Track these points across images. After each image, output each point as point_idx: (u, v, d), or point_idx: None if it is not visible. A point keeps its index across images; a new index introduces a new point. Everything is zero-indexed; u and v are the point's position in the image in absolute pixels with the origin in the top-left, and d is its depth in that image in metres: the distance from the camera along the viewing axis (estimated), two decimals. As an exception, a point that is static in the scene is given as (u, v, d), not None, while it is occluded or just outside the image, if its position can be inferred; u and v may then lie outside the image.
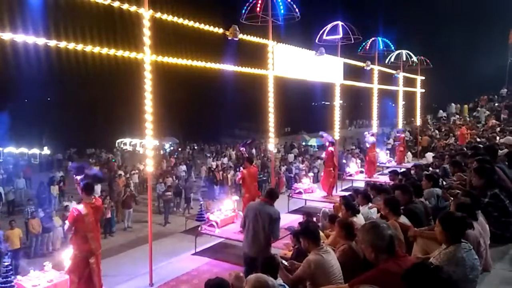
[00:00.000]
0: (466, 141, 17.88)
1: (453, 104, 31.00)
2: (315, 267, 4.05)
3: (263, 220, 5.85)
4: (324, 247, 4.25)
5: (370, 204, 6.61)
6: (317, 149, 27.68)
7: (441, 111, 30.58)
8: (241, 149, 10.65)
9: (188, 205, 16.65)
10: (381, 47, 16.51)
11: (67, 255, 6.18)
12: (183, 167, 22.05)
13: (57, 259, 7.49)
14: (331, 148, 12.40)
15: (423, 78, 21.62)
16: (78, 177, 6.22)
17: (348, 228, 4.58)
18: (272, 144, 11.34)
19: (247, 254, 6.08)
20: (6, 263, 6.27)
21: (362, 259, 4.27)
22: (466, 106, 30.57)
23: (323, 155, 13.03)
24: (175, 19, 7.54)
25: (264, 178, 19.20)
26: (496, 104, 27.43)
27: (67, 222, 6.03)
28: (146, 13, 6.86)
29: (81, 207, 5.89)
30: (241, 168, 9.95)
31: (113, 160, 25.98)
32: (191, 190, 17.26)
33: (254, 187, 9.34)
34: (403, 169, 11.78)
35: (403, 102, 20.95)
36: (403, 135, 18.69)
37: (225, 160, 24.70)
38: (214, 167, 21.48)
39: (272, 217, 5.86)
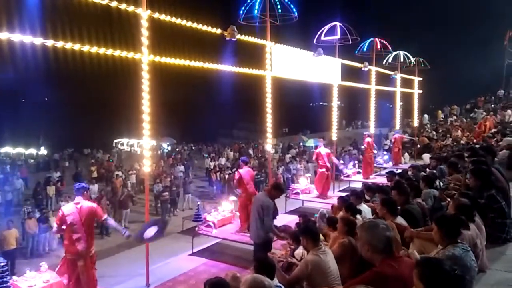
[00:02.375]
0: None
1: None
2: (312, 267, 4.06)
3: (255, 207, 6.61)
4: (322, 247, 4.26)
5: (364, 204, 6.62)
6: (314, 150, 27.66)
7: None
8: None
9: (173, 207, 16.63)
10: (379, 48, 16.55)
11: (62, 256, 6.17)
12: (181, 168, 22.04)
13: (53, 260, 7.47)
14: (318, 150, 12.56)
15: (421, 79, 21.67)
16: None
17: (350, 225, 4.67)
18: (269, 144, 11.35)
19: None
20: (2, 264, 6.25)
21: (360, 254, 4.29)
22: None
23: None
24: (173, 19, 7.54)
25: (262, 179, 19.20)
26: (493, 105, 27.51)
27: (54, 223, 6.05)
28: (144, 13, 6.85)
29: (66, 208, 5.88)
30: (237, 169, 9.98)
31: (110, 160, 25.91)
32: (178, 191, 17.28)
33: (251, 187, 9.35)
34: (399, 170, 11.82)
35: (401, 103, 21.00)
36: (397, 136, 18.73)
37: (223, 160, 24.66)
38: (212, 167, 21.45)
39: (261, 204, 6.48)
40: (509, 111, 21.87)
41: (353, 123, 46.78)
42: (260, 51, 10.22)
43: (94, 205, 6.22)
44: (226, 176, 19.26)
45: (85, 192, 6.19)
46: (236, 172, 9.40)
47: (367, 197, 7.24)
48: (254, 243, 6.88)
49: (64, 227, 5.84)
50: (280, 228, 6.72)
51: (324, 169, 12.42)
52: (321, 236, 5.46)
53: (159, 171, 20.47)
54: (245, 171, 9.35)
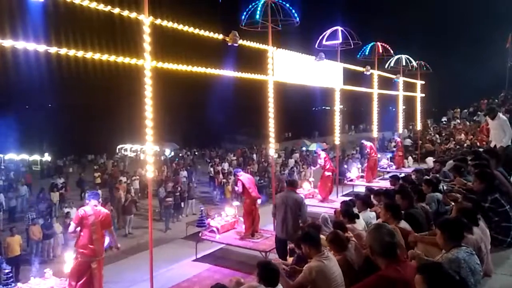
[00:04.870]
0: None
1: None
2: (316, 274, 4.04)
3: (290, 205, 6.98)
4: (326, 253, 4.23)
5: (369, 210, 6.60)
6: (315, 154, 27.67)
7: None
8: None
9: (176, 213, 16.60)
10: (381, 52, 16.55)
11: (68, 261, 6.20)
12: (184, 173, 22.04)
13: (57, 266, 7.48)
14: (325, 154, 12.69)
15: (423, 82, 21.63)
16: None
17: (337, 241, 4.62)
18: (272, 149, 11.34)
19: (278, 237, 7.23)
20: (6, 270, 6.27)
21: (356, 269, 4.32)
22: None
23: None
24: (175, 25, 7.57)
25: (265, 184, 19.18)
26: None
27: (72, 223, 6.19)
28: (146, 20, 6.88)
29: (87, 208, 6.10)
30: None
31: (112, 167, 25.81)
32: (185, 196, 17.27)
33: (253, 192, 9.35)
34: (403, 174, 11.80)
35: (403, 107, 20.96)
36: (399, 140, 18.69)
37: (226, 165, 24.64)
38: (213, 173, 21.45)
39: (297, 201, 7.03)
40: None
41: (353, 126, 46.69)
42: (262, 56, 10.23)
43: (108, 212, 6.55)
44: (230, 181, 19.26)
45: (99, 198, 6.63)
46: (237, 181, 9.49)
47: (374, 202, 7.20)
48: (279, 239, 7.22)
49: (78, 228, 6.04)
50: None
51: (330, 173, 12.46)
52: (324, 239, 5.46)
53: (163, 177, 20.45)
54: (245, 178, 9.38)
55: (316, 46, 13.46)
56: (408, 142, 24.06)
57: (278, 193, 7.99)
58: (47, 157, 31.31)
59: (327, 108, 41.21)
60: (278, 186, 17.36)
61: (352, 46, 13.93)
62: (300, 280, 4.18)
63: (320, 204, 12.34)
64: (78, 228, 6.04)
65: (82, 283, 5.91)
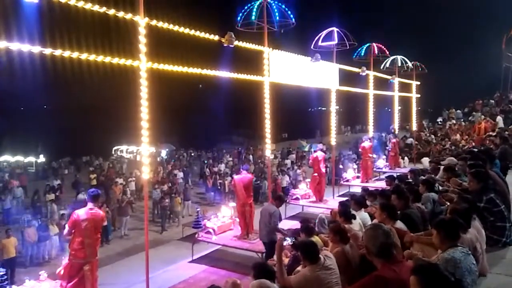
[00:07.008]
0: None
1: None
2: (306, 283, 4.04)
3: (264, 216, 8.06)
4: (322, 261, 4.09)
5: (363, 210, 6.61)
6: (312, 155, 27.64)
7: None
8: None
9: (173, 214, 16.51)
10: (376, 52, 16.60)
11: (63, 263, 6.17)
12: (180, 174, 21.99)
13: (53, 268, 7.44)
14: (314, 155, 12.62)
15: (418, 83, 21.71)
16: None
17: (341, 233, 4.63)
18: (268, 150, 11.34)
19: (262, 241, 8.28)
20: (1, 273, 6.24)
21: (353, 264, 4.32)
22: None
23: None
24: (171, 26, 7.57)
25: (261, 184, 19.16)
26: (489, 108, 27.53)
27: (66, 226, 6.17)
28: (142, 21, 6.87)
29: (81, 212, 6.02)
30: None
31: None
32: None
33: (246, 194, 9.37)
34: (397, 174, 11.84)
35: (399, 107, 21.03)
36: (394, 140, 18.76)
37: (222, 166, 24.61)
38: (208, 174, 21.42)
39: (268, 212, 8.01)
40: (499, 117, 21.83)
41: (349, 127, 46.70)
42: (258, 57, 10.24)
43: (102, 213, 6.48)
44: (226, 182, 19.25)
45: (99, 198, 6.50)
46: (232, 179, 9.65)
47: (368, 203, 7.21)
48: (264, 242, 8.15)
49: (73, 231, 6.00)
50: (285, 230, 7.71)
51: (316, 174, 12.46)
52: (320, 240, 5.46)
53: (159, 178, 20.39)
54: (239, 178, 9.38)
55: (312, 47, 13.48)
56: (409, 141, 24.18)
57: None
58: (42, 159, 31.17)
59: (323, 109, 41.24)
60: (274, 187, 17.35)
61: (348, 47, 13.96)
62: (292, 281, 4.15)
63: (316, 205, 12.38)
64: (73, 231, 6.00)
65: (73, 284, 5.88)
